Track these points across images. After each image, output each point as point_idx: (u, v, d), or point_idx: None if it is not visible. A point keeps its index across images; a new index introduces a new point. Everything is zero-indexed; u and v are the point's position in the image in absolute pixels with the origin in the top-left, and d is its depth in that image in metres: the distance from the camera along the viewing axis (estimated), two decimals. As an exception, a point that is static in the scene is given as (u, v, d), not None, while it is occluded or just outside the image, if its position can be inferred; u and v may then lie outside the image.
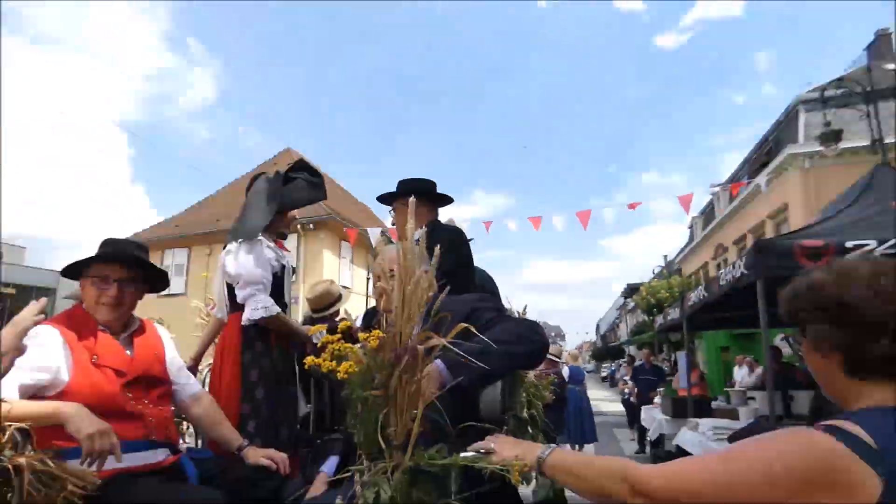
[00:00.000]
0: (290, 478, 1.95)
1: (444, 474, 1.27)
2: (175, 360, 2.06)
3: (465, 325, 1.34)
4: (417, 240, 1.36)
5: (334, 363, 1.24)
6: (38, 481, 1.44)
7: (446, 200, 2.75)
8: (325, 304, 3.37)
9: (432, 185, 2.74)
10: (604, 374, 33.50)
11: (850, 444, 0.74)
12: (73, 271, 1.88)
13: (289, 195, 2.58)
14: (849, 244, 3.55)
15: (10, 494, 1.43)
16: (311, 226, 18.43)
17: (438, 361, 1.41)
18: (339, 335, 1.29)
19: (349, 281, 19.35)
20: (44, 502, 1.44)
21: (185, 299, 18.65)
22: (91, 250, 1.92)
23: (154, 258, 20.03)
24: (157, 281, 2.06)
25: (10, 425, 1.48)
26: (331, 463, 1.73)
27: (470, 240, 3.35)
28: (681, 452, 5.52)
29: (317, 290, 3.42)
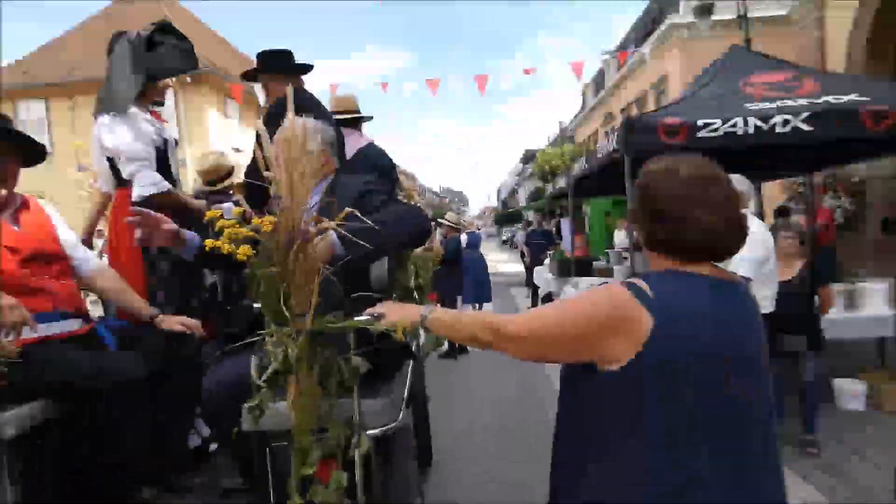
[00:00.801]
0: (206, 341, 2.15)
1: (343, 335, 1.53)
2: (69, 236, 2.06)
3: (352, 210, 1.51)
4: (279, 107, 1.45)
5: (233, 246, 1.39)
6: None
7: (305, 69, 2.82)
8: (217, 178, 3.34)
9: (285, 56, 2.77)
10: (504, 238, 35.89)
11: (636, 294, 1.05)
12: None
13: (157, 63, 2.45)
14: (699, 122, 3.95)
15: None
16: (189, 79, 16.62)
17: (333, 235, 1.59)
18: (233, 221, 1.42)
19: (240, 142, 18.18)
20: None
21: (50, 157, 16.80)
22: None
23: (4, 111, 17.38)
24: (32, 153, 1.98)
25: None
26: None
27: (368, 117, 3.39)
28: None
29: (206, 163, 3.34)
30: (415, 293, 1.92)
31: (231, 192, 3.29)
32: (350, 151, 2.84)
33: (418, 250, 2.17)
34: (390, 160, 3.17)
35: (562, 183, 8.65)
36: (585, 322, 1.07)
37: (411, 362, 2.06)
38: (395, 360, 1.92)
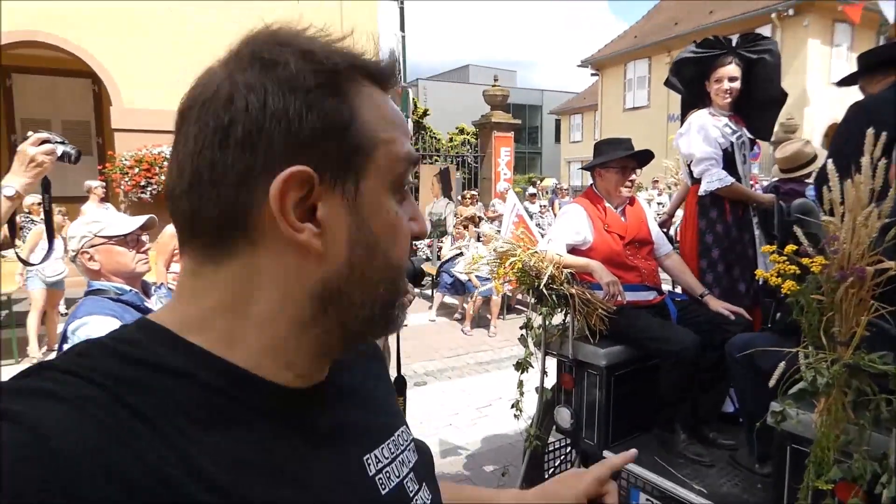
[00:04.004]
0: (754, 326, 2.42)
1: (886, 375, 1.49)
2: (654, 226, 2.72)
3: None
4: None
5: (780, 280, 1.59)
6: (582, 303, 2.43)
7: None
8: (796, 166, 3.28)
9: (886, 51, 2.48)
10: None
11: None
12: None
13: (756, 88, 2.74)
14: None
15: (567, 311, 2.48)
16: (790, 11, 15.27)
17: None
18: (785, 258, 1.60)
19: (844, 74, 15.52)
20: (584, 314, 2.43)
21: (648, 111, 19.47)
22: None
23: (616, 74, 21.20)
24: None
25: (563, 270, 2.49)
26: None
27: None
28: None
29: (787, 150, 3.32)
30: None
31: (807, 180, 3.19)
32: None
33: None
34: None
35: None
36: None
37: None
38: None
